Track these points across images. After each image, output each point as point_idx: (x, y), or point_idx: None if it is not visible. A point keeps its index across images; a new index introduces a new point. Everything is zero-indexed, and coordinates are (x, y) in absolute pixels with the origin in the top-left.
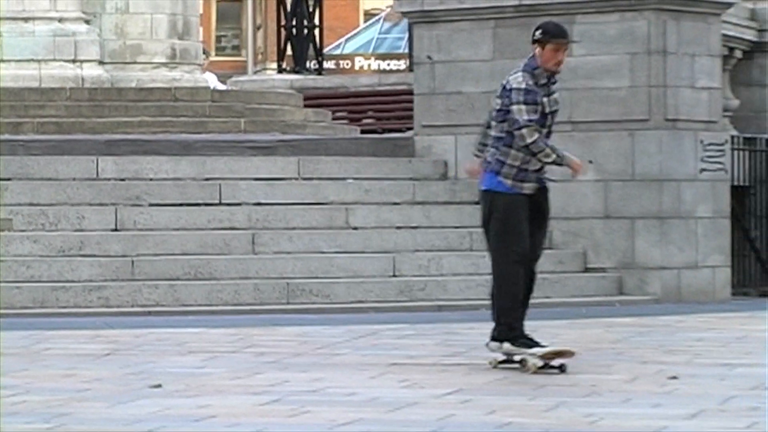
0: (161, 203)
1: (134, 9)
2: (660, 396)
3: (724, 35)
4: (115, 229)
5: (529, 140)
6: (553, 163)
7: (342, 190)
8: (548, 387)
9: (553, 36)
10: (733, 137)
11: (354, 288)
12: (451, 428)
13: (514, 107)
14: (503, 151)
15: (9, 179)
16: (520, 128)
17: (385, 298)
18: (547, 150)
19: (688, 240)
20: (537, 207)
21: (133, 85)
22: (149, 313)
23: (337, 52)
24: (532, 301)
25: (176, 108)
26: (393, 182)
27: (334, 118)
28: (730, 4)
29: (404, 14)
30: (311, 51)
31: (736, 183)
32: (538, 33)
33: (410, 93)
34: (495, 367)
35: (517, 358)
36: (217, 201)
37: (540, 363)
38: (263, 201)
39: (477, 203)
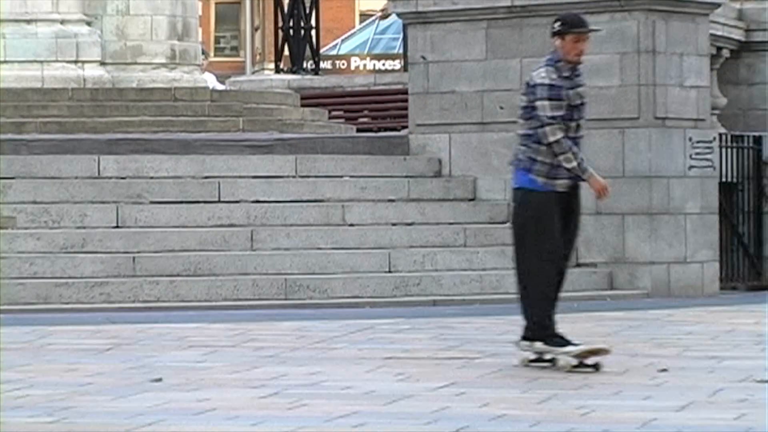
0: (161, 201)
1: (135, 11)
2: (650, 388)
3: (712, 35)
4: (117, 227)
5: (551, 138)
6: (573, 172)
7: (338, 188)
8: (541, 380)
9: (573, 26)
10: (721, 135)
11: (350, 283)
12: (445, 420)
13: (538, 103)
14: (534, 148)
15: (13, 178)
16: (542, 126)
17: (381, 294)
18: (569, 154)
19: (677, 235)
20: (568, 204)
21: (134, 85)
22: (150, 309)
23: (334, 52)
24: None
25: (176, 108)
26: (388, 180)
27: (330, 117)
28: (717, 5)
29: (399, 15)
30: (308, 51)
31: (724, 179)
32: (557, 25)
33: (405, 92)
34: (526, 366)
35: (547, 356)
36: (216, 199)
37: (574, 362)
38: (261, 198)
39: (470, 200)
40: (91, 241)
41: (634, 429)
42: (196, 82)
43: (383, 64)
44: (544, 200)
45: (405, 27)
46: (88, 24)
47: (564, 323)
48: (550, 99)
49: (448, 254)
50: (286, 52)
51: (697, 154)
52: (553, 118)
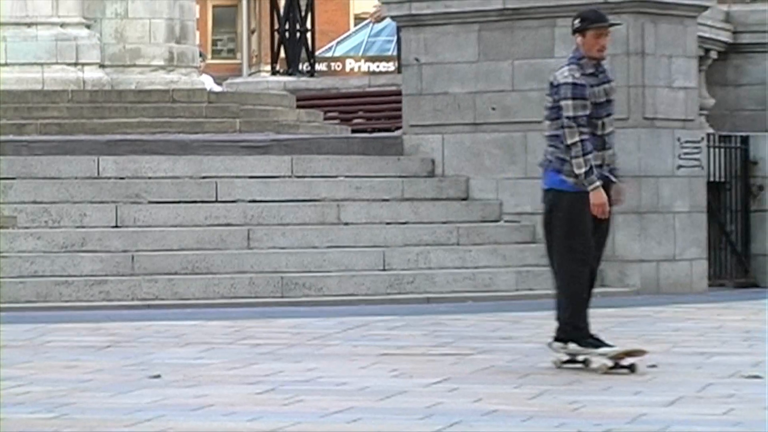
0: (160, 201)
1: (133, 14)
2: (640, 384)
3: (700, 37)
4: (116, 226)
5: (569, 141)
6: (578, 178)
7: (333, 188)
8: (533, 376)
9: (593, 22)
10: (709, 135)
11: (345, 281)
12: (438, 416)
13: (563, 103)
14: (562, 148)
15: (13, 178)
16: (562, 127)
17: (376, 291)
18: (581, 160)
19: (666, 234)
20: None
21: (133, 87)
22: (148, 307)
23: (329, 54)
24: (517, 293)
25: (174, 109)
26: (382, 180)
27: (325, 118)
28: (705, 7)
29: (393, 18)
30: (304, 54)
31: (712, 179)
32: (576, 22)
33: (399, 94)
34: (559, 367)
35: (580, 358)
36: (213, 198)
37: (610, 363)
38: (258, 198)
39: (463, 199)
40: (91, 240)
41: (624, 424)
42: (193, 84)
43: (377, 66)
44: (575, 201)
45: (399, 30)
46: (88, 27)
47: (554, 321)
48: (574, 98)
49: (441, 252)
50: (282, 54)
51: (686, 154)
52: (573, 118)
